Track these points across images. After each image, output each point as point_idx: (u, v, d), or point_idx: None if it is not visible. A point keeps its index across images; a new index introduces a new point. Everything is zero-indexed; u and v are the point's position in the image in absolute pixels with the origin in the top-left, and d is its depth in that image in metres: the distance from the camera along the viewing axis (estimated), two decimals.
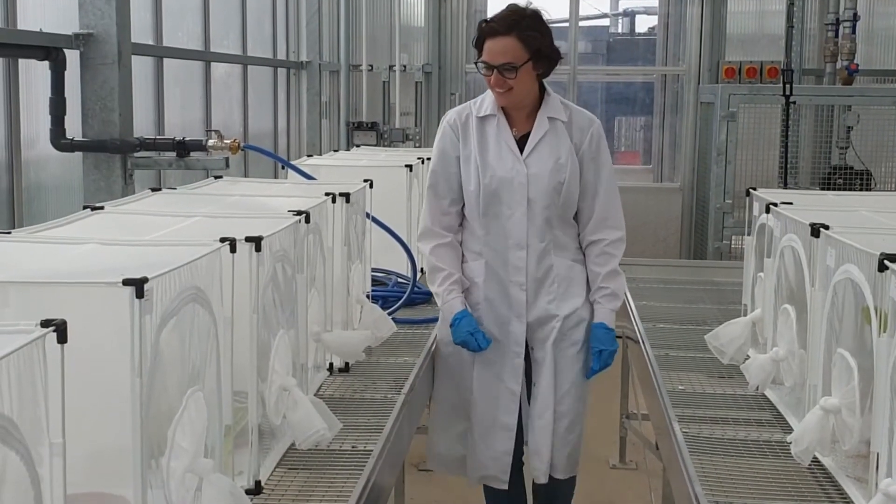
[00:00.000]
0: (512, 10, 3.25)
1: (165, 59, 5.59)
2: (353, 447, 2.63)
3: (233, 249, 2.13)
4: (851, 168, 7.66)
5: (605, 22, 11.09)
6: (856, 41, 8.09)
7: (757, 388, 3.02)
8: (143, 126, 5.03)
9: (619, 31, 11.22)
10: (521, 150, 3.35)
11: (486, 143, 3.36)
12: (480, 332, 3.32)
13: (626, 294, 3.74)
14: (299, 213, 2.63)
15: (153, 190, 3.16)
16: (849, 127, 7.65)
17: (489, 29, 3.23)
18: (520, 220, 3.35)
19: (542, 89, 3.39)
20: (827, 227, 2.50)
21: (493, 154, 3.35)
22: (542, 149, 3.34)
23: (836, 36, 8.17)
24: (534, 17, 3.25)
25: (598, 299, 3.41)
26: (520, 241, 3.36)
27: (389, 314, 3.51)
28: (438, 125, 3.47)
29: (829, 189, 7.16)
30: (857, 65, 8.05)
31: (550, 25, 3.34)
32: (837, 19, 8.16)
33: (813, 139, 8.01)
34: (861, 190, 7.30)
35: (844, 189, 7.22)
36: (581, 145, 3.35)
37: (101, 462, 1.91)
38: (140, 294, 1.65)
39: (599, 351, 3.36)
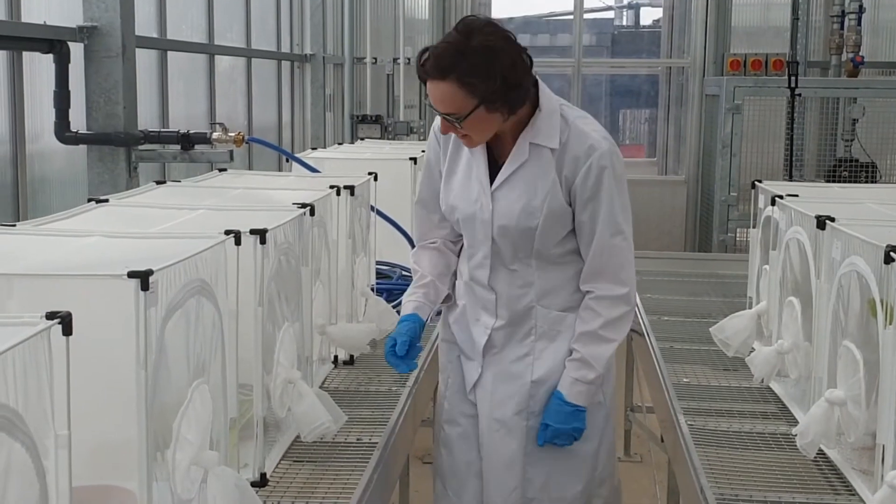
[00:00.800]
0: (450, 44, 2.43)
1: (169, 52, 5.59)
2: (357, 440, 2.63)
3: (237, 242, 2.13)
4: (857, 160, 7.66)
5: (610, 14, 11.07)
6: (861, 33, 8.08)
7: (762, 381, 3.02)
8: (147, 119, 5.03)
9: (624, 23, 11.20)
10: (495, 178, 2.63)
11: (458, 163, 2.69)
12: (406, 344, 2.63)
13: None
14: (304, 205, 2.63)
15: (157, 183, 3.16)
16: (854, 119, 7.64)
17: (422, 71, 2.48)
18: (482, 261, 2.68)
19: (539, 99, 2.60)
20: (833, 220, 2.49)
21: (460, 179, 2.68)
22: (516, 184, 2.59)
23: (842, 28, 8.16)
24: (480, 51, 2.41)
25: (566, 362, 2.66)
26: (483, 282, 2.71)
27: (394, 307, 3.50)
28: None
29: (834, 181, 7.15)
30: (863, 57, 8.03)
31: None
32: (843, 11, 8.14)
33: (818, 132, 8.01)
34: (866, 182, 7.29)
35: (850, 181, 7.21)
36: (573, 179, 2.56)
37: (106, 455, 1.91)
38: (145, 286, 1.65)
39: (546, 425, 2.66)
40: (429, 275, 2.77)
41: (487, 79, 2.43)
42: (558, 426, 2.65)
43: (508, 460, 2.72)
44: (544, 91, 2.60)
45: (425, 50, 2.50)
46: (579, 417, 2.66)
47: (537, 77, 2.60)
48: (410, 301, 2.75)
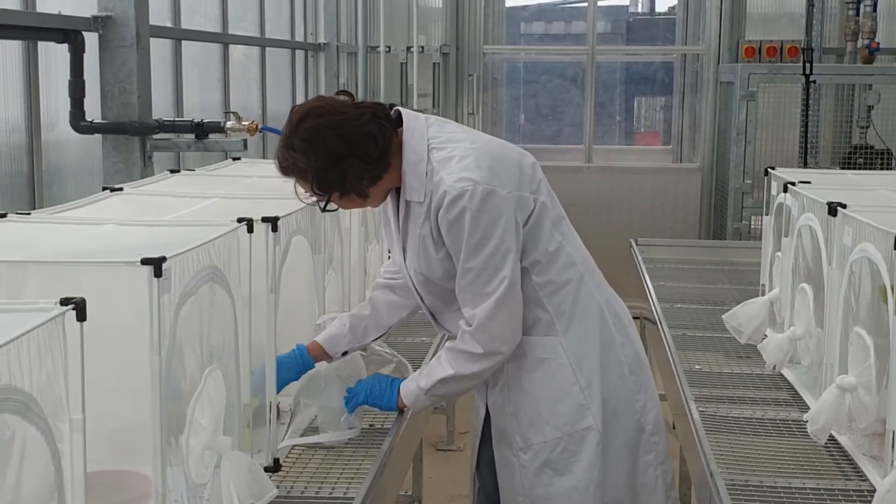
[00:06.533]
0: (282, 149, 2.33)
1: (184, 42, 5.60)
2: (370, 425, 2.65)
3: (250, 230, 2.14)
4: (872, 147, 7.61)
5: (625, 1, 11.00)
6: (877, 19, 8.02)
7: (774, 368, 3.02)
8: (161, 108, 5.05)
9: (639, 10, 11.14)
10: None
11: (387, 214, 2.55)
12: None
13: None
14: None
15: (172, 171, 3.18)
16: (869, 106, 7.59)
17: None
18: (426, 311, 2.61)
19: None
20: (844, 206, 2.49)
21: (391, 231, 2.56)
22: (412, 243, 2.47)
23: (857, 14, 8.10)
24: (304, 151, 2.28)
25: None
26: (437, 327, 2.65)
27: None
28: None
29: (849, 169, 7.12)
30: (878, 43, 7.98)
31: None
32: None
33: (833, 119, 7.96)
34: (882, 169, 7.26)
35: (865, 168, 7.18)
36: (440, 230, 2.37)
37: (120, 440, 1.94)
38: (158, 273, 1.66)
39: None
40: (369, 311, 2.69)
41: (323, 176, 2.29)
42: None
43: (507, 491, 2.57)
44: (408, 141, 2.38)
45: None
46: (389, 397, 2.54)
47: (402, 123, 2.40)
48: (333, 325, 2.66)
